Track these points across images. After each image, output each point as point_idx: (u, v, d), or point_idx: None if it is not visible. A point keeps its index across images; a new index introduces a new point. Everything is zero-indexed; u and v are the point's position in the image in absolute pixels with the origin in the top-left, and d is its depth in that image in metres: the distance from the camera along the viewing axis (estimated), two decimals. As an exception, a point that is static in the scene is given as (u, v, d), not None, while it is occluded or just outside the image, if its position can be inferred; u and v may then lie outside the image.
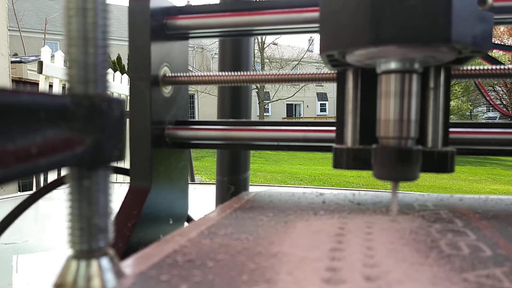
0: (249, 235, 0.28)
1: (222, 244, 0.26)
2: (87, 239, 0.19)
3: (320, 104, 23.69)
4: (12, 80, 3.22)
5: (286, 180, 6.90)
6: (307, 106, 23.31)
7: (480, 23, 0.28)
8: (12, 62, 3.29)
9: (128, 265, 0.22)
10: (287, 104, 22.52)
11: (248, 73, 0.48)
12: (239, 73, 0.48)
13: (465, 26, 0.27)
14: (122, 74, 3.54)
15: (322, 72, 0.44)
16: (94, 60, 0.20)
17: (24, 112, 0.16)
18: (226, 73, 0.49)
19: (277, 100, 17.84)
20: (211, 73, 0.49)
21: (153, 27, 0.47)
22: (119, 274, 0.19)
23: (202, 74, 0.49)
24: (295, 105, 23.26)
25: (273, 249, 0.24)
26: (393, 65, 0.30)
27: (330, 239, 0.27)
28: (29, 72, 4.14)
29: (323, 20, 0.31)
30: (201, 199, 1.11)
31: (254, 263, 0.22)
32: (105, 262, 0.19)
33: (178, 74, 0.50)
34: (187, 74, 0.50)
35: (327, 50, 0.31)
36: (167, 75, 0.49)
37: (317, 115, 23.18)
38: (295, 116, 23.12)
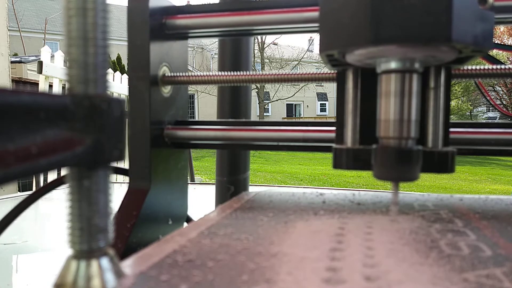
0: (249, 235, 0.28)
1: (222, 244, 0.26)
2: (87, 239, 0.19)
3: (320, 104, 23.69)
4: (12, 80, 3.22)
5: (286, 180, 6.90)
6: (307, 106, 23.30)
7: (481, 23, 0.28)
8: (12, 62, 3.29)
9: (128, 265, 0.22)
10: (287, 104, 22.52)
11: (248, 73, 0.48)
12: (238, 73, 0.48)
13: (465, 25, 0.27)
14: (122, 74, 3.54)
15: (322, 72, 0.44)
16: (94, 60, 0.20)
17: (24, 112, 0.16)
18: (226, 73, 0.49)
19: (277, 100, 17.84)
20: (211, 73, 0.49)
21: (152, 27, 0.46)
22: (119, 274, 0.19)
23: (202, 74, 0.49)
24: (295, 105, 23.26)
25: (273, 249, 0.24)
26: (393, 65, 0.29)
27: (330, 239, 0.27)
28: (29, 72, 4.14)
29: (323, 19, 0.31)
30: (201, 199, 1.11)
31: (254, 263, 0.22)
32: (105, 262, 0.19)
33: (178, 74, 0.50)
34: (187, 74, 0.50)
35: (326, 49, 0.31)
36: (166, 75, 0.49)
37: (317, 115, 23.18)
38: (295, 116, 23.12)
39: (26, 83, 4.05)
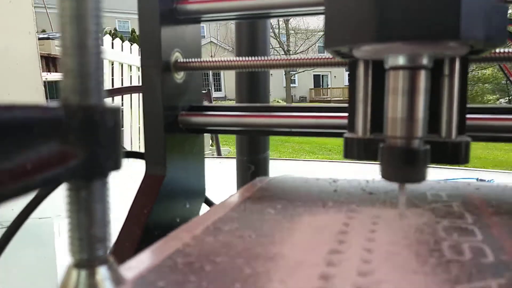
0: (252, 232, 0.28)
1: (224, 243, 0.26)
2: (87, 248, 0.19)
3: (348, 74, 23.22)
4: (41, 56, 3.27)
5: (314, 150, 6.88)
6: (335, 76, 22.89)
7: (493, 16, 0.26)
8: (40, 38, 3.34)
9: (128, 267, 0.23)
10: (314, 75, 22.18)
11: (263, 58, 0.48)
12: (253, 58, 0.48)
13: (476, 20, 0.25)
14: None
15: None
16: (88, 69, 0.20)
17: (16, 128, 0.17)
18: (240, 59, 0.48)
19: (303, 71, 17.61)
20: (224, 59, 0.49)
21: (162, 12, 0.46)
22: (118, 281, 0.20)
23: (215, 59, 0.49)
24: (322, 76, 22.87)
25: (272, 250, 0.25)
26: (401, 61, 0.28)
27: (332, 238, 0.27)
28: (57, 48, 4.21)
29: (328, 13, 0.29)
30: (227, 173, 1.11)
31: (250, 268, 0.22)
32: (104, 270, 0.20)
33: (191, 60, 0.49)
34: (200, 60, 0.49)
35: (332, 46, 0.30)
36: (179, 60, 0.49)
37: (345, 85, 22.77)
38: (322, 87, 22.79)
39: (55, 59, 4.13)
